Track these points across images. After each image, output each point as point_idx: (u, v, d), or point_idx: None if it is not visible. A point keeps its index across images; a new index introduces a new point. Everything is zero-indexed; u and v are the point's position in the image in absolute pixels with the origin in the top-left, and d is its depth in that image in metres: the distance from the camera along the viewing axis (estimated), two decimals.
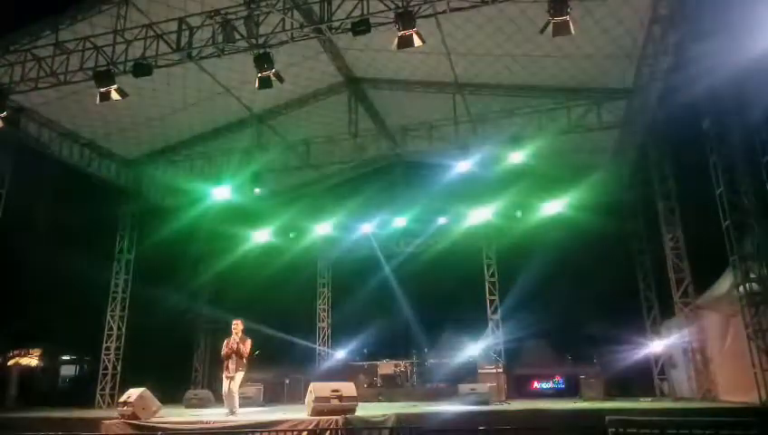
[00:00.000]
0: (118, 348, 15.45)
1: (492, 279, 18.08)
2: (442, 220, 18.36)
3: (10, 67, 11.25)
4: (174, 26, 10.39)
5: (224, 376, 10.03)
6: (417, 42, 9.16)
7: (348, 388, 9.13)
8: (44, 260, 16.11)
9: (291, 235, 19.33)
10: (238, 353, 9.93)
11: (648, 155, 13.75)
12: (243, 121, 15.23)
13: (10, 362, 18.04)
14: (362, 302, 19.05)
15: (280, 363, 17.12)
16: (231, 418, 9.38)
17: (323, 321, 21.09)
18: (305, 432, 8.30)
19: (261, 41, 9.97)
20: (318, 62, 13.13)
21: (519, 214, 17.11)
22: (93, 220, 16.59)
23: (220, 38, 10.05)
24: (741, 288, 9.66)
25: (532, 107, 13.46)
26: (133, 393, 9.60)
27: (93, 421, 9.95)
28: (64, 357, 20.95)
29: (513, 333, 17.53)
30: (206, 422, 8.84)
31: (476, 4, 9.18)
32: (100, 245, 16.63)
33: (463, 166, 14.50)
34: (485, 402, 11.60)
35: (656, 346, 14.63)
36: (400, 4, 9.16)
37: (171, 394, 14.59)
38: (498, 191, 16.36)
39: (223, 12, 10.05)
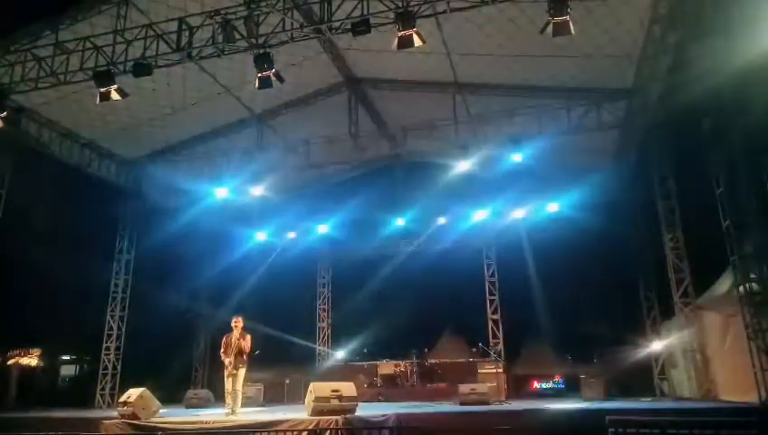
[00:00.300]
0: (118, 348, 15.45)
1: (492, 279, 18.09)
2: (442, 220, 18.36)
3: (10, 67, 11.25)
4: (174, 26, 10.39)
5: (225, 374, 10.02)
6: (417, 42, 9.16)
7: (348, 388, 9.13)
8: (45, 260, 16.09)
9: (291, 235, 19.33)
10: (240, 350, 9.93)
11: (648, 155, 13.74)
12: (243, 121, 15.24)
13: (10, 362, 18.01)
14: (362, 302, 19.07)
15: (280, 363, 17.10)
16: (231, 418, 9.39)
17: (323, 321, 21.11)
18: (305, 432, 8.30)
19: (261, 41, 9.97)
20: (318, 62, 13.14)
21: (519, 214, 17.11)
22: (93, 220, 16.59)
23: (220, 38, 10.05)
24: (741, 288, 9.65)
25: (532, 107, 13.45)
26: (133, 393, 9.60)
27: (93, 421, 9.94)
28: (64, 357, 20.92)
29: (513, 333, 17.53)
30: (206, 422, 8.84)
31: (476, 4, 9.19)
32: (100, 245, 16.63)
33: (463, 166, 14.50)
34: (485, 402, 11.60)
35: (656, 346, 14.62)
36: (400, 4, 9.17)
37: (171, 394, 14.59)
38: (498, 191, 16.35)
39: (223, 12, 10.04)
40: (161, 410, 10.10)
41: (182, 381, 17.62)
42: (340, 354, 20.28)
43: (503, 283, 18.07)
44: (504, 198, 16.61)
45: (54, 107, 12.88)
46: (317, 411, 8.76)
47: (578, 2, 9.21)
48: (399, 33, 9.15)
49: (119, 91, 10.57)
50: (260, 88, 10.26)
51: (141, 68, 10.19)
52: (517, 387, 16.28)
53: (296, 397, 15.15)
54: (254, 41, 9.99)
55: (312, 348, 20.61)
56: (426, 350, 17.63)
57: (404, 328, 18.24)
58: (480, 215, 17.30)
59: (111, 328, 15.53)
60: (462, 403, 11.60)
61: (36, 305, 16.75)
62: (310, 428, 8.36)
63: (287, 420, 8.62)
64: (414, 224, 18.44)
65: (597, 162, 15.68)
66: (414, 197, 17.37)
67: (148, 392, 9.76)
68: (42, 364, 19.32)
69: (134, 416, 9.31)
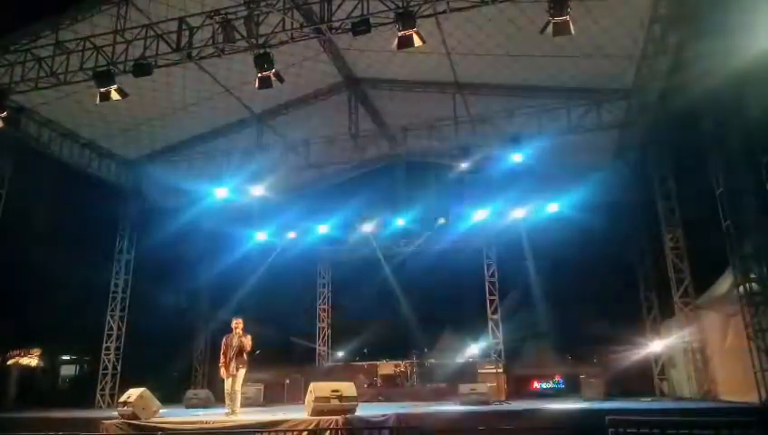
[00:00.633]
0: (118, 348, 15.44)
1: (492, 279, 18.09)
2: (442, 220, 18.35)
3: (10, 67, 11.25)
4: (174, 26, 10.39)
5: (225, 375, 10.02)
6: (417, 42, 9.16)
7: (348, 388, 9.13)
8: (45, 260, 16.10)
9: (291, 235, 19.33)
10: (240, 349, 9.93)
11: (647, 155, 13.74)
12: (243, 121, 15.23)
13: (10, 362, 18.03)
14: (362, 302, 19.08)
15: (280, 363, 17.11)
16: (231, 418, 9.39)
17: (323, 321, 21.10)
18: (305, 432, 8.30)
19: (261, 41, 9.97)
20: (318, 62, 13.13)
21: (519, 214, 17.12)
22: (93, 220, 16.60)
23: (220, 38, 10.05)
24: (741, 288, 9.66)
25: (532, 107, 13.45)
26: (133, 393, 9.60)
27: (93, 421, 9.94)
28: (64, 357, 20.95)
29: (513, 333, 17.53)
30: (206, 422, 8.84)
31: (476, 4, 9.19)
32: (100, 245, 16.63)
33: (463, 166, 14.50)
34: (485, 402, 11.60)
35: (656, 346, 14.62)
36: (400, 4, 9.17)
37: (171, 394, 14.59)
38: (498, 191, 16.35)
39: (223, 12, 10.05)
40: (161, 410, 10.10)
41: (182, 381, 17.62)
42: (340, 354, 20.29)
43: (503, 283, 18.06)
44: (504, 198, 16.59)
45: (54, 107, 12.88)
46: (317, 411, 8.76)
47: (578, 2, 9.21)
48: (399, 33, 9.15)
49: (119, 91, 10.57)
50: (260, 88, 10.25)
51: (141, 68, 10.19)
52: (517, 387, 16.28)
53: (296, 397, 15.15)
54: (254, 41, 9.99)
55: (312, 348, 20.61)
56: (426, 350, 17.65)
57: (404, 328, 18.27)
58: (480, 215, 17.30)
59: (111, 328, 15.52)
60: (462, 403, 11.61)
61: (36, 305, 16.77)
62: (310, 428, 8.36)
63: (287, 420, 8.62)
64: (414, 224, 18.43)
65: (597, 162, 15.67)
66: (414, 197, 17.37)
67: (148, 392, 9.75)
68: (42, 364, 19.34)
69: (134, 416, 9.31)
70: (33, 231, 16.09)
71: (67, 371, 21.21)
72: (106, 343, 15.43)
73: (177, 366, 18.23)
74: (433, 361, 17.00)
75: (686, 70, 10.19)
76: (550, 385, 16.62)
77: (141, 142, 15.31)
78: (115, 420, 9.45)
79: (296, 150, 15.33)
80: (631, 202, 15.88)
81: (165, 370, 17.15)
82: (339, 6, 9.68)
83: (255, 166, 15.00)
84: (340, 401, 8.87)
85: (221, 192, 15.63)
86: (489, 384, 13.91)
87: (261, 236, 19.04)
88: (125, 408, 9.50)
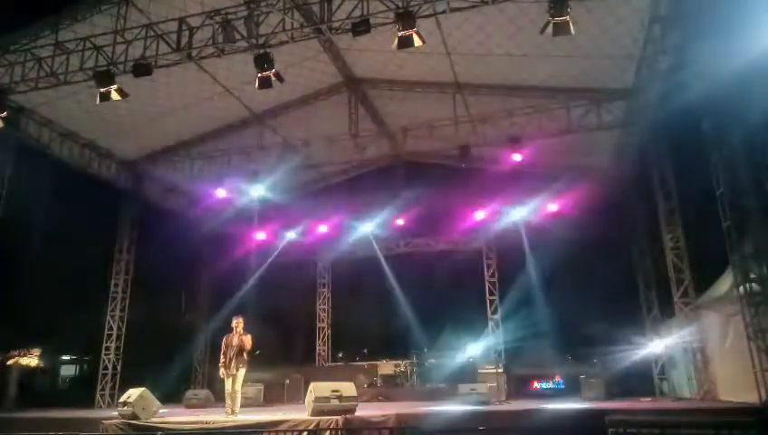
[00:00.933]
0: (118, 348, 15.44)
1: (492, 279, 18.07)
2: (442, 220, 18.34)
3: (10, 67, 11.25)
4: (174, 26, 10.39)
5: (224, 375, 10.02)
6: (417, 42, 9.15)
7: (348, 388, 9.14)
8: (44, 260, 16.10)
9: (291, 235, 19.33)
10: (240, 349, 9.93)
11: (647, 155, 13.74)
12: (243, 121, 15.24)
13: (10, 362, 18.01)
14: (362, 302, 19.06)
15: (280, 363, 17.11)
16: (231, 418, 9.39)
17: (323, 321, 21.09)
18: (305, 432, 8.31)
19: (261, 41, 9.97)
20: (318, 62, 13.14)
21: (519, 214, 17.11)
22: (93, 220, 16.59)
23: (220, 38, 10.06)
24: (741, 288, 9.65)
25: (532, 107, 13.45)
26: (133, 393, 9.61)
27: (93, 421, 9.95)
28: (64, 357, 20.95)
29: (513, 333, 17.52)
30: (206, 422, 8.85)
31: (476, 4, 9.19)
32: (100, 245, 16.63)
33: (463, 166, 14.50)
34: (485, 402, 11.60)
35: (656, 346, 14.62)
36: (400, 5, 9.16)
37: (171, 394, 14.59)
38: (498, 191, 16.34)
39: (223, 12, 10.05)
40: (161, 410, 10.11)
41: (182, 381, 17.62)
42: (340, 354, 20.28)
43: (503, 283, 18.05)
44: (504, 198, 16.60)
45: (54, 107, 12.88)
46: (317, 411, 8.76)
47: (578, 2, 9.21)
48: (399, 33, 9.14)
49: (119, 91, 10.56)
50: (260, 88, 10.25)
51: (141, 68, 10.19)
52: (517, 387, 16.26)
53: (296, 397, 15.16)
54: (254, 41, 9.99)
55: (312, 348, 20.60)
56: (426, 350, 17.64)
57: (404, 328, 18.26)
58: (480, 215, 17.30)
59: (111, 328, 15.52)
60: (462, 403, 11.60)
61: (36, 305, 16.75)
62: (310, 428, 8.37)
63: (287, 420, 8.63)
64: (414, 224, 18.42)
65: (597, 162, 15.68)
66: (414, 197, 17.36)
67: (148, 392, 9.77)
68: (42, 364, 19.32)
69: (134, 416, 9.32)
70: (32, 231, 16.08)
71: (67, 371, 21.21)
72: (106, 343, 15.43)
73: (177, 366, 18.22)
74: (433, 361, 16.99)
75: (686, 70, 10.19)
76: (550, 385, 16.58)
77: (141, 142, 15.31)
78: (115, 420, 9.46)
79: (296, 150, 15.34)
80: (631, 202, 15.89)
81: (165, 370, 17.13)
82: (339, 6, 9.68)
83: (255, 166, 15.01)
84: (340, 401, 8.88)
85: (221, 192, 15.64)
86: (489, 384, 13.92)
87: (261, 236, 19.03)
88: (125, 408, 9.51)
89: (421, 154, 16.31)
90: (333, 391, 8.97)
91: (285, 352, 19.45)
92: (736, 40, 8.63)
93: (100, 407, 14.65)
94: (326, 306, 21.29)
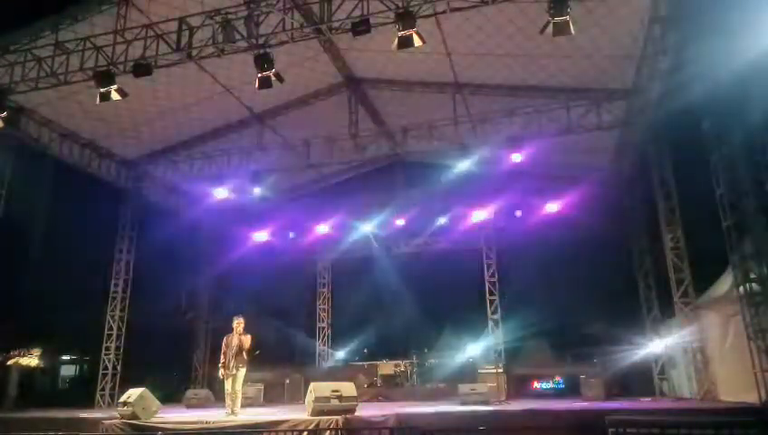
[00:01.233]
0: (118, 348, 15.42)
1: (492, 279, 18.07)
2: (442, 220, 18.36)
3: (10, 67, 11.24)
4: (174, 26, 10.39)
5: (224, 375, 10.01)
6: (417, 42, 9.15)
7: (348, 388, 9.14)
8: (44, 260, 16.11)
9: (291, 235, 19.33)
10: (240, 349, 9.93)
11: (647, 155, 13.74)
12: (243, 121, 15.23)
13: (10, 362, 18.02)
14: (362, 302, 19.07)
15: (280, 363, 17.12)
16: (231, 418, 9.39)
17: (323, 321, 21.10)
18: (305, 432, 8.31)
19: (261, 41, 9.97)
20: (318, 62, 13.13)
21: (519, 214, 17.11)
22: (93, 220, 16.60)
23: (220, 38, 10.05)
24: (741, 288, 9.65)
25: (532, 107, 13.44)
26: (133, 393, 9.61)
27: (93, 421, 9.95)
28: (64, 357, 20.96)
29: (513, 333, 17.52)
30: (206, 422, 8.85)
31: (476, 4, 9.19)
32: (100, 245, 16.63)
33: (463, 166, 14.50)
34: (485, 402, 11.60)
35: (656, 346, 14.61)
36: (400, 5, 9.16)
37: (171, 394, 14.60)
38: (498, 191, 16.35)
39: (223, 12, 10.04)
40: (161, 411, 10.10)
41: (182, 381, 17.62)
42: (340, 354, 20.28)
43: (503, 283, 18.05)
44: (504, 198, 16.60)
45: (54, 107, 12.87)
46: (317, 411, 8.76)
47: (578, 2, 9.21)
48: (399, 33, 9.15)
49: (119, 91, 10.56)
50: (260, 88, 10.25)
51: (141, 68, 10.19)
52: (517, 387, 16.27)
53: (296, 397, 15.16)
54: (254, 41, 9.99)
55: (312, 348, 20.61)
56: (426, 350, 17.64)
57: (404, 328, 18.27)
58: (480, 215, 17.30)
59: (111, 328, 15.50)
60: (462, 403, 11.61)
61: (36, 305, 16.77)
62: (310, 428, 8.37)
63: (287, 420, 8.63)
64: (414, 224, 18.43)
65: (597, 162, 15.68)
66: (414, 197, 17.37)
67: (148, 392, 9.76)
68: (42, 364, 19.33)
69: (134, 416, 9.32)
70: (32, 231, 16.10)
71: (67, 371, 21.23)
72: (106, 343, 15.41)
73: (177, 366, 18.23)
74: (433, 360, 17.00)
75: (686, 70, 10.18)
76: (550, 385, 16.60)
77: (141, 142, 15.30)
78: (115, 420, 9.46)
79: (296, 150, 15.33)
80: (631, 202, 15.89)
81: (165, 370, 17.15)
82: (339, 6, 9.67)
83: (255, 166, 15.00)
84: (340, 401, 8.87)
85: (221, 192, 15.63)
86: (489, 384, 13.92)
87: (261, 236, 19.03)
88: (125, 408, 9.51)
89: (421, 154, 16.28)
90: (333, 391, 8.97)
91: (285, 352, 19.46)
92: (736, 40, 8.62)
93: (100, 407, 14.63)
94: (326, 306, 21.30)
